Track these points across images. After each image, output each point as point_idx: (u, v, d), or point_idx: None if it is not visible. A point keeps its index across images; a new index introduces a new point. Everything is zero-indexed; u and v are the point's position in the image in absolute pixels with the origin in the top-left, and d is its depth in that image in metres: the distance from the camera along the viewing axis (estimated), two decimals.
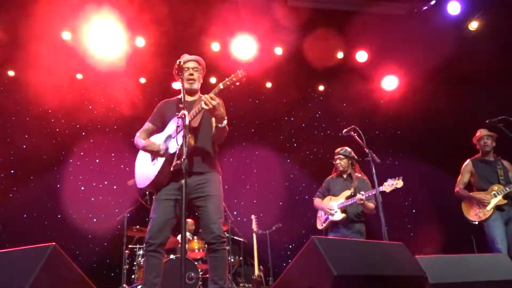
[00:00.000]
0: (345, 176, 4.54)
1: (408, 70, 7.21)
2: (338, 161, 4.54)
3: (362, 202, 4.08)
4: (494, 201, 4.34)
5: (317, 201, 4.65)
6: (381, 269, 2.29)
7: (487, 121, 4.38)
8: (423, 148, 6.79)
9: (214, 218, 2.86)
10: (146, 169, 3.06)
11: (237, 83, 2.77)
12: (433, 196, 6.60)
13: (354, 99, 7.51)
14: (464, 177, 4.67)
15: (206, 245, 2.98)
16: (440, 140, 6.61)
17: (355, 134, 3.88)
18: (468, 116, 5.55)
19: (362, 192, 4.11)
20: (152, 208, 2.95)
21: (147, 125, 3.20)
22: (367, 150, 3.74)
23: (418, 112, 7.01)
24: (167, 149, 2.93)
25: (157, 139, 3.06)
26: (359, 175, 4.52)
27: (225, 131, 2.98)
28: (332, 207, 4.37)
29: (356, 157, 4.55)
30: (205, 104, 2.74)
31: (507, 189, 4.31)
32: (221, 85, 2.80)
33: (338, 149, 4.61)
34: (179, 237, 5.38)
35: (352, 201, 4.22)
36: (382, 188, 4.05)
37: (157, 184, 2.98)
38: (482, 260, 2.84)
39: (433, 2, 6.13)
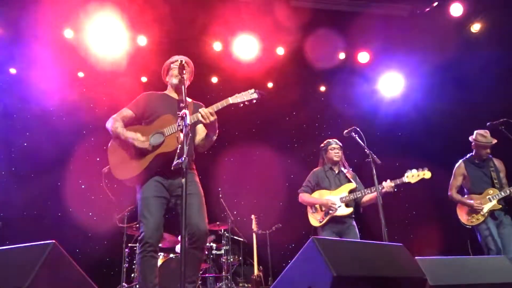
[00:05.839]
0: (336, 169, 4.40)
1: (410, 71, 7.20)
2: (336, 151, 4.38)
3: (392, 190, 3.99)
4: (488, 206, 4.29)
5: (306, 196, 4.37)
6: (380, 270, 2.29)
7: (488, 123, 4.36)
8: (424, 149, 6.77)
9: (200, 213, 2.85)
10: (128, 161, 2.95)
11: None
12: (434, 197, 6.59)
13: (355, 100, 7.50)
14: (457, 180, 4.61)
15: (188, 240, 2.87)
16: (441, 141, 6.60)
17: (356, 135, 3.87)
18: (469, 118, 5.53)
19: (389, 180, 4.03)
20: (143, 206, 2.86)
21: (126, 111, 3.13)
22: (367, 151, 3.72)
23: (419, 113, 7.00)
24: (158, 145, 2.87)
25: (142, 133, 2.95)
26: (346, 170, 4.42)
27: (212, 142, 3.03)
28: (333, 201, 4.17)
29: None
30: (203, 117, 2.75)
31: (502, 193, 4.26)
32: (230, 100, 2.79)
33: (332, 140, 4.47)
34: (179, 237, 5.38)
35: (360, 194, 4.13)
36: (406, 179, 4.01)
37: (141, 179, 2.92)
38: (481, 263, 2.83)
39: (435, 4, 6.13)
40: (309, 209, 4.40)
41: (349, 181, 4.30)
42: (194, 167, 3.13)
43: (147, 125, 3.04)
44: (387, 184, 4.03)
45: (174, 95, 3.24)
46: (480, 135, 4.50)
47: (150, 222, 2.79)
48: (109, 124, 3.04)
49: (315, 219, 4.29)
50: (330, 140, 4.50)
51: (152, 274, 2.77)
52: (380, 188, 3.95)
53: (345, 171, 4.41)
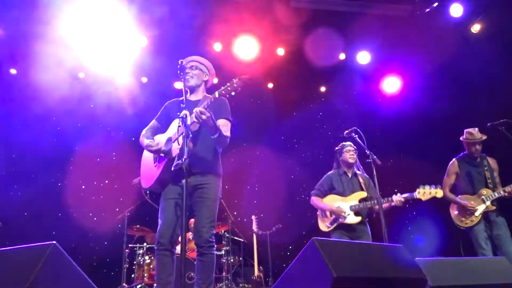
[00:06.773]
0: (350, 174, 4.34)
1: (410, 72, 7.20)
2: (351, 153, 4.31)
3: (401, 204, 3.93)
4: (482, 208, 4.25)
5: (317, 200, 4.33)
6: (381, 271, 2.29)
7: (488, 124, 4.35)
8: (424, 150, 6.78)
9: (204, 222, 2.88)
10: (149, 169, 3.10)
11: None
12: (434, 198, 6.58)
13: (356, 100, 7.50)
14: (450, 178, 4.58)
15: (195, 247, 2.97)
16: (441, 142, 6.60)
17: (356, 136, 3.87)
18: (469, 118, 5.53)
19: (399, 194, 3.95)
20: (160, 207, 2.99)
21: (153, 122, 3.28)
22: (368, 152, 3.72)
23: (419, 113, 7.00)
24: (169, 150, 2.95)
25: (160, 140, 3.08)
26: (360, 172, 4.38)
27: (222, 139, 2.98)
28: (343, 208, 4.13)
29: None
30: (195, 118, 2.75)
31: (496, 194, 4.22)
32: (216, 94, 2.82)
33: (347, 142, 4.37)
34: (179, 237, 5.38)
35: (370, 205, 4.05)
36: (417, 196, 3.91)
37: (160, 184, 3.02)
38: (482, 263, 2.83)
39: (435, 5, 6.13)
40: (319, 213, 4.39)
41: (362, 189, 4.25)
42: (216, 167, 3.08)
43: (167, 131, 3.14)
44: (397, 198, 3.95)
45: (191, 97, 3.23)
46: (469, 133, 4.52)
47: (163, 222, 2.90)
48: (140, 139, 3.18)
49: (323, 224, 4.29)
50: (345, 142, 4.41)
51: (164, 272, 2.84)
52: (389, 200, 3.97)
53: (359, 173, 4.38)
